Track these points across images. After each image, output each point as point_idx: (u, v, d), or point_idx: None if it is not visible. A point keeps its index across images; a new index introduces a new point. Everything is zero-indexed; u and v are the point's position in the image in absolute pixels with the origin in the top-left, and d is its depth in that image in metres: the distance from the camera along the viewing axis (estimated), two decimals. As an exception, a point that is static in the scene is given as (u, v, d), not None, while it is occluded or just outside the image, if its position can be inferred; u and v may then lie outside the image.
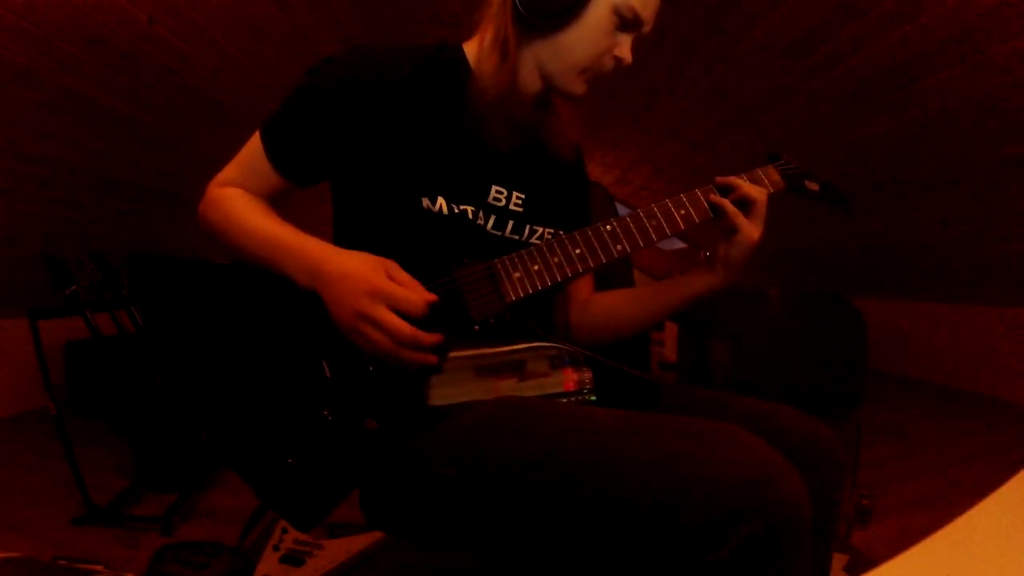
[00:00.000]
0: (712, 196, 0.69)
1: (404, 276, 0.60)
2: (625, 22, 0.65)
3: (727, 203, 0.68)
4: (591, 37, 0.65)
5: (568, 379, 0.67)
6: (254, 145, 0.69)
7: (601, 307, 0.83)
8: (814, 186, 0.76)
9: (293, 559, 1.21)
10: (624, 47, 0.67)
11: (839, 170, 2.60)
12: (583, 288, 0.86)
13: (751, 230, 0.68)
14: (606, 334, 0.82)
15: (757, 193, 0.69)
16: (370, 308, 0.57)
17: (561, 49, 0.66)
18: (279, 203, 0.72)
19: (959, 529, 0.43)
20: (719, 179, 0.70)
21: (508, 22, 0.65)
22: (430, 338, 0.58)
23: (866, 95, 2.10)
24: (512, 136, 0.72)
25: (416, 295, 0.58)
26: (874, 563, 0.42)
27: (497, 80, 0.67)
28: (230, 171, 0.71)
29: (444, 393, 0.63)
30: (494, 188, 0.70)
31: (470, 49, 0.72)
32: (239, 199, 0.68)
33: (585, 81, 0.69)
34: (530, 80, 0.70)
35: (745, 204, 0.69)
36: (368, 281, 0.58)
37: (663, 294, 0.77)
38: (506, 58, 0.66)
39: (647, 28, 0.67)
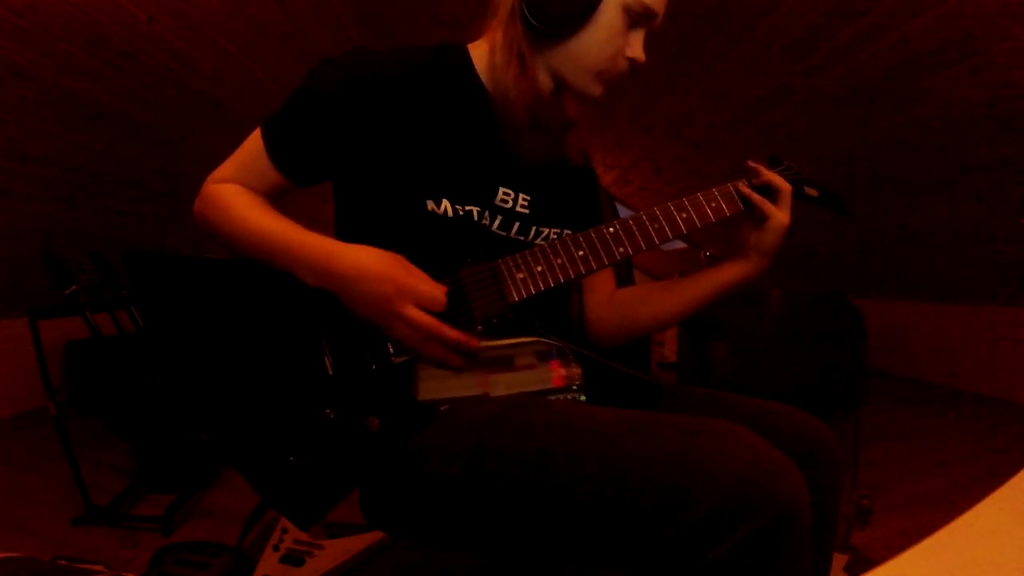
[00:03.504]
0: (740, 186, 0.71)
1: (416, 270, 0.61)
2: (636, 19, 0.65)
3: (754, 193, 0.71)
4: (603, 40, 0.65)
5: (556, 375, 0.67)
6: (254, 142, 0.69)
7: (630, 301, 0.83)
8: (813, 192, 0.77)
9: (293, 559, 1.21)
10: (636, 46, 0.67)
11: (839, 170, 2.60)
12: (605, 284, 0.86)
13: (781, 216, 0.71)
14: (636, 328, 0.82)
15: (782, 183, 0.71)
16: (398, 306, 0.58)
17: (574, 55, 0.66)
18: (278, 202, 0.72)
19: (959, 529, 0.43)
20: (750, 163, 0.73)
21: (520, 32, 0.65)
22: (455, 335, 0.59)
23: (866, 95, 2.10)
24: (543, 145, 0.72)
25: (435, 290, 0.60)
26: (874, 563, 0.42)
27: (520, 92, 0.67)
28: (227, 168, 0.71)
29: (433, 387, 0.63)
30: (501, 190, 0.70)
31: (476, 52, 0.72)
32: (237, 195, 0.68)
33: (602, 83, 0.69)
34: (543, 83, 0.71)
35: (771, 191, 0.71)
36: (393, 280, 0.59)
37: (696, 285, 0.77)
38: (525, 69, 0.66)
39: (658, 21, 0.67)
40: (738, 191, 0.71)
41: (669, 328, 0.82)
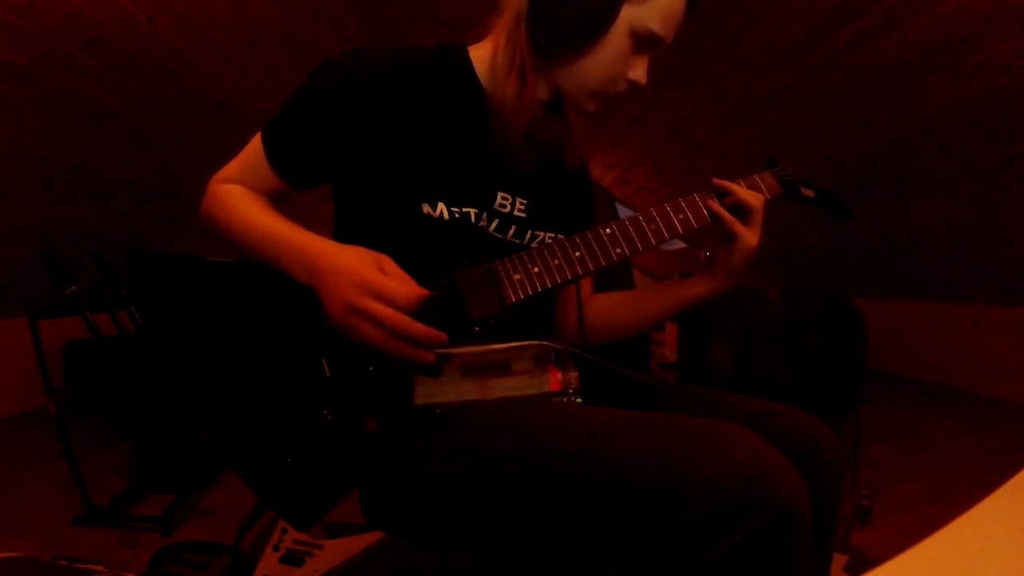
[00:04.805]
0: (711, 203, 0.69)
1: (395, 270, 0.59)
2: (642, 44, 0.65)
3: (724, 212, 0.69)
4: (607, 62, 0.65)
5: (553, 379, 0.67)
6: (255, 145, 0.69)
7: (599, 309, 0.83)
8: (810, 193, 0.77)
9: (293, 559, 1.21)
10: (639, 69, 0.67)
11: (839, 170, 2.60)
12: (582, 290, 0.86)
13: (749, 237, 0.69)
14: (602, 335, 0.82)
15: (754, 200, 0.69)
16: (359, 300, 0.56)
17: (576, 73, 0.66)
18: (279, 203, 0.72)
19: (959, 529, 0.43)
20: (715, 181, 0.71)
21: (524, 47, 0.64)
22: (421, 329, 0.57)
23: (866, 95, 2.10)
24: (537, 159, 0.72)
25: (406, 288, 0.58)
26: (874, 563, 0.42)
27: (518, 109, 0.66)
28: (231, 168, 0.71)
29: (430, 392, 0.63)
30: (500, 194, 0.70)
31: (476, 55, 0.71)
32: (239, 195, 0.69)
33: (599, 101, 0.69)
34: (542, 92, 0.70)
35: (742, 210, 0.69)
36: (358, 274, 0.57)
37: (661, 297, 0.78)
38: (525, 85, 0.66)
39: (665, 48, 0.67)
40: (708, 208, 0.69)
41: (634, 336, 0.83)
